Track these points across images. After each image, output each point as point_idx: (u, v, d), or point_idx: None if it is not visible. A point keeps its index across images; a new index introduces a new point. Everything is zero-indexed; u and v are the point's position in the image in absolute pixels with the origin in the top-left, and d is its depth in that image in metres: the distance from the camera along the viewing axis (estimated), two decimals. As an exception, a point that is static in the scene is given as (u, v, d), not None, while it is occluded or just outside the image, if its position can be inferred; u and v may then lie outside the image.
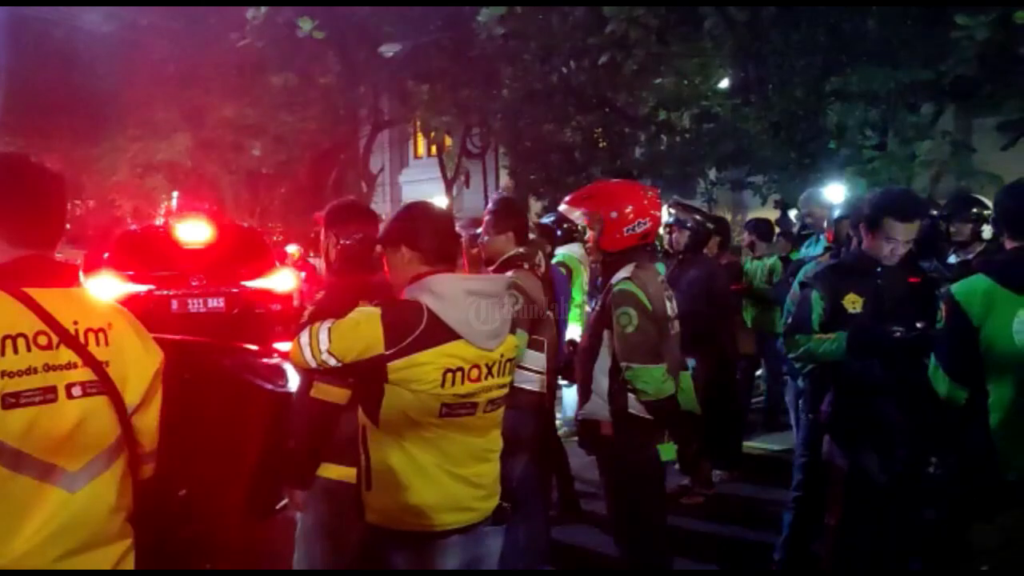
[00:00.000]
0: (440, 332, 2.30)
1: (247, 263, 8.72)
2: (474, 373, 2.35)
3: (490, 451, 2.50)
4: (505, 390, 2.49)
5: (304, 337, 2.37)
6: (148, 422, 1.92)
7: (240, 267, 8.62)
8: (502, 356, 2.43)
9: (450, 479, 2.37)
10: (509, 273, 3.87)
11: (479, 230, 4.13)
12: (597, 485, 3.63)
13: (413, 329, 2.28)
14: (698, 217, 5.48)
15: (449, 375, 2.31)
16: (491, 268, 3.99)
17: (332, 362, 2.34)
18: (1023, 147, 8.73)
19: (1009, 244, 2.78)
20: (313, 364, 2.37)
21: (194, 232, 8.59)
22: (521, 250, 3.95)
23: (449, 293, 2.34)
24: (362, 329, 2.31)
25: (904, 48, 9.68)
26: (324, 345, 2.33)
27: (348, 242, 2.95)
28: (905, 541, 3.46)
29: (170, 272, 8.21)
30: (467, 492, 2.40)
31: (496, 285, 2.47)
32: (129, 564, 1.87)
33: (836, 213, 4.80)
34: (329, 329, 2.34)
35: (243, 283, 8.50)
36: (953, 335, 2.73)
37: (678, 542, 3.82)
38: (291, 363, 2.52)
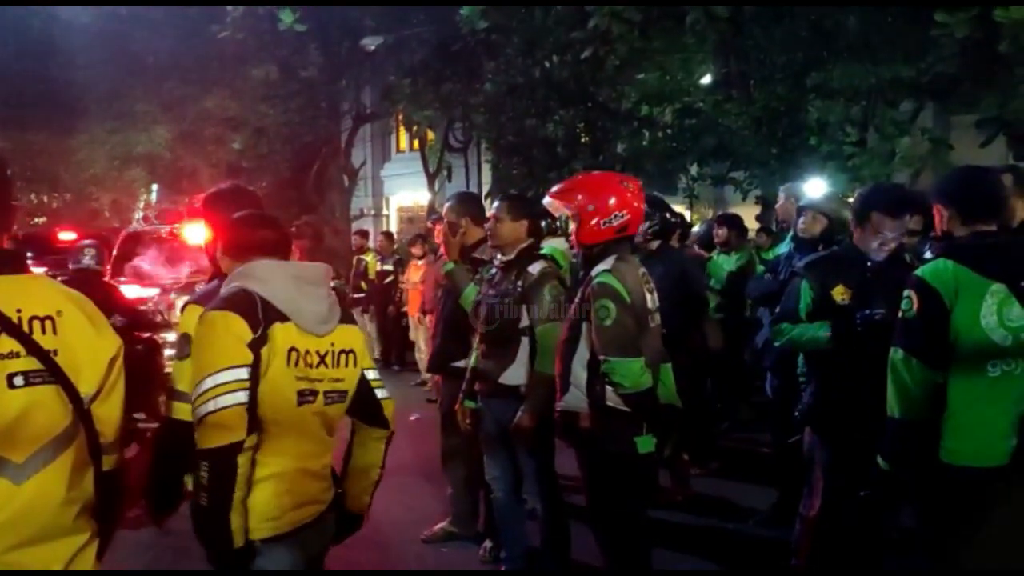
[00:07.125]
0: (273, 312, 2.24)
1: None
2: (309, 359, 2.29)
3: (330, 445, 2.44)
4: (342, 384, 2.39)
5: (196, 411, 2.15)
6: (109, 411, 1.85)
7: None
8: (333, 345, 2.36)
9: (304, 476, 2.32)
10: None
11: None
12: (576, 477, 3.62)
13: (256, 305, 2.22)
14: (665, 213, 5.49)
15: (292, 354, 2.25)
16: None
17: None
18: (1001, 144, 8.79)
19: (961, 230, 2.76)
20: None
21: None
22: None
23: (272, 277, 2.31)
24: (219, 327, 2.18)
25: (885, 45, 9.74)
26: (207, 382, 2.13)
27: None
28: (884, 534, 3.48)
29: None
30: (317, 486, 2.38)
31: (317, 272, 2.43)
32: (87, 559, 1.80)
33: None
34: (203, 378, 2.14)
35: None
36: (927, 319, 2.66)
37: (656, 534, 3.82)
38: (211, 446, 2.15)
